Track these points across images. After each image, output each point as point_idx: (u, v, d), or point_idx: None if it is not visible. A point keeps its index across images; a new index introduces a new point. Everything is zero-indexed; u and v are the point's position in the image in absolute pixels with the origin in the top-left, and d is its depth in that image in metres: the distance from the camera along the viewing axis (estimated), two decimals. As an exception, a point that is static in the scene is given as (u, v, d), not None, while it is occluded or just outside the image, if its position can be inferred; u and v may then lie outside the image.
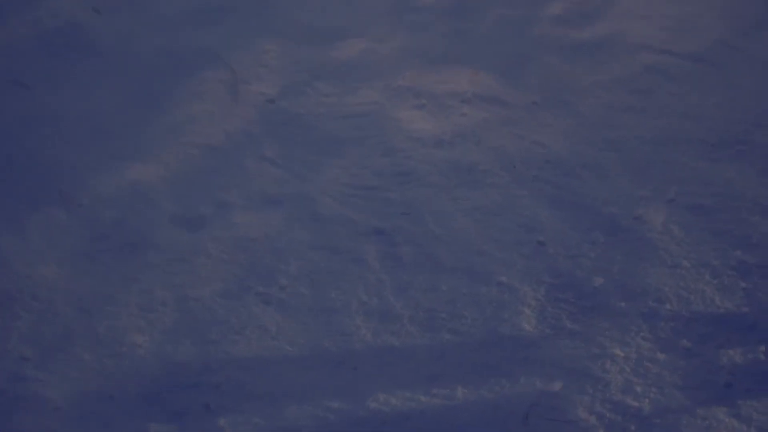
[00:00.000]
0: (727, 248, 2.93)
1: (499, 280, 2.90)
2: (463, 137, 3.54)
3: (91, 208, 3.30)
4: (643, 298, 2.78)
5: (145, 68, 4.11)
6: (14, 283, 2.97)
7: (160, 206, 3.35)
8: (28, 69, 4.04)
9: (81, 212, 3.29)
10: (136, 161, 3.56)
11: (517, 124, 3.57)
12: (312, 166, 3.47)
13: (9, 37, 4.29)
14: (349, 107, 3.76)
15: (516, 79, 3.83)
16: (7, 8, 4.46)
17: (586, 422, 2.43)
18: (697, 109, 3.57)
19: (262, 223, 3.25)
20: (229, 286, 3.00)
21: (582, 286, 2.84)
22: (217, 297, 2.92)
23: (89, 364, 2.70)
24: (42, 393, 2.61)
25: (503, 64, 3.93)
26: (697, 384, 2.50)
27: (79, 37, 4.30)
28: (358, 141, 3.57)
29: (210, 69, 4.05)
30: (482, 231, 3.13)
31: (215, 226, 3.25)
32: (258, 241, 3.17)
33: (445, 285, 2.89)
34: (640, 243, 3.00)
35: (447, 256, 3.04)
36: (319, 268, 3.05)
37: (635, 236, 3.03)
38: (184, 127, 3.74)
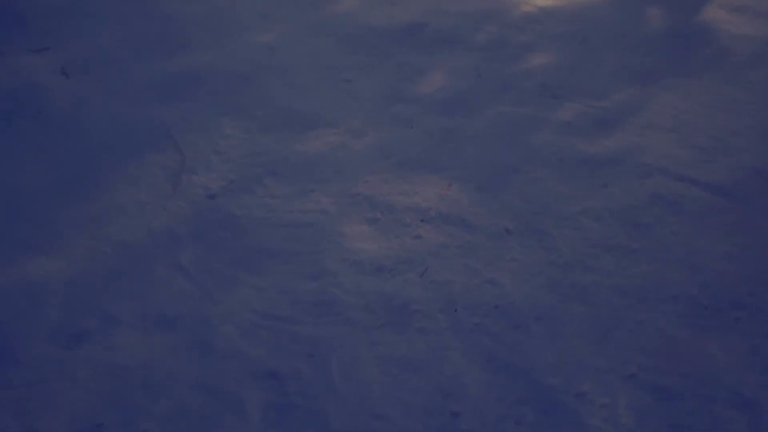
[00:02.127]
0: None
1: (388, 458, 2.59)
2: (408, 265, 3.24)
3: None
4: None
5: (90, 143, 3.99)
6: None
7: (45, 312, 3.17)
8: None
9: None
10: (40, 253, 3.42)
11: (476, 256, 3.25)
12: (226, 284, 3.24)
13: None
14: (293, 214, 3.53)
15: (494, 196, 3.52)
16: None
17: None
18: (700, 256, 3.18)
19: (146, 348, 3.03)
20: (81, 425, 2.78)
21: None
22: (60, 437, 2.71)
23: None
24: None
25: (485, 175, 3.62)
26: None
27: (32, 102, 4.23)
28: (289, 257, 3.32)
29: (158, 151, 3.90)
30: (392, 389, 2.82)
31: (94, 345, 3.05)
32: (133, 371, 2.95)
33: (322, 456, 2.60)
34: (575, 430, 2.62)
35: (339, 417, 2.74)
36: (189, 411, 2.80)
37: (571, 420, 2.67)
38: (107, 218, 3.58)
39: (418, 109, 4.05)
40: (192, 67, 4.48)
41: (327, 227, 3.45)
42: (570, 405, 2.71)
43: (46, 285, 3.28)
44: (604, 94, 4.08)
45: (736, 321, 2.95)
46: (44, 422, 2.78)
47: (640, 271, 3.15)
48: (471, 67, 4.32)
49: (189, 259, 3.35)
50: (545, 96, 4.08)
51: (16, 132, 4.04)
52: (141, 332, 3.08)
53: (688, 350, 2.85)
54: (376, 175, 3.69)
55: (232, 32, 4.76)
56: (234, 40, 4.69)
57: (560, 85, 4.16)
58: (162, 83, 4.37)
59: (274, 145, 3.91)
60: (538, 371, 2.82)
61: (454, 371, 2.85)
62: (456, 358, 2.89)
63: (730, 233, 3.28)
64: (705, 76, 4.18)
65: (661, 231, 3.31)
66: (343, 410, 2.76)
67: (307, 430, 2.72)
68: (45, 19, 5.04)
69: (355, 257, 3.29)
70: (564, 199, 3.49)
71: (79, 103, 4.23)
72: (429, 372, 2.86)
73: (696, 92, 4.05)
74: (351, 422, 2.72)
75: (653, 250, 3.23)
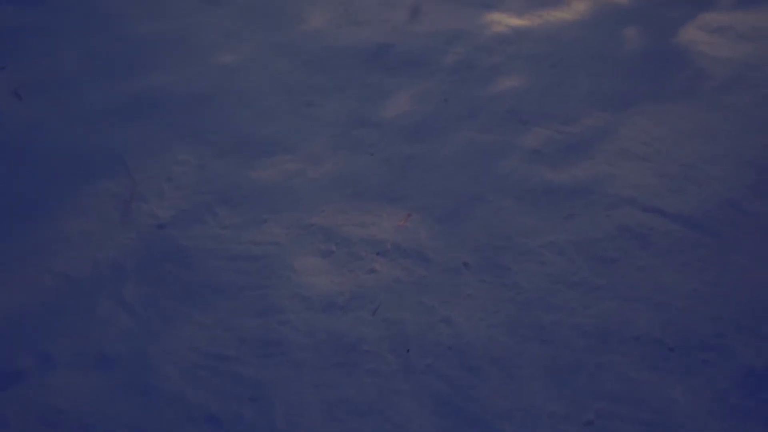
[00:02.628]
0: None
1: None
2: (361, 302, 3.15)
3: None
4: None
5: (39, 168, 3.90)
6: None
7: (-23, 350, 3.07)
8: None
9: None
10: (-21, 285, 3.31)
11: (432, 292, 3.16)
12: (170, 320, 3.14)
13: None
14: (244, 245, 3.43)
15: (454, 228, 3.43)
16: None
17: None
18: (666, 294, 3.08)
19: (83, 390, 2.93)
20: (8, 472, 2.68)
21: None
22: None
23: None
24: None
25: (446, 206, 3.53)
26: None
27: (-19, 125, 4.14)
28: (237, 292, 3.22)
29: (109, 177, 3.81)
30: (336, 436, 2.72)
31: (29, 385, 2.95)
32: (67, 414, 2.85)
33: None
34: (525, 482, 2.53)
35: (279, 467, 2.64)
36: (122, 460, 2.69)
37: (522, 471, 2.56)
38: (50, 249, 3.48)
39: (381, 134, 3.96)
40: (151, 88, 4.39)
41: (278, 260, 3.35)
42: (522, 454, 2.61)
43: (-20, 320, 3.18)
44: (574, 119, 4.00)
45: (702, 364, 2.86)
46: (-32, 470, 2.67)
47: (603, 309, 3.06)
48: (438, 90, 4.23)
49: (133, 294, 3.26)
50: (513, 121, 4.00)
51: (-38, 157, 3.96)
52: (78, 372, 2.99)
53: (650, 395, 2.75)
54: (332, 204, 3.60)
55: (195, 52, 4.68)
56: (197, 61, 4.61)
57: (529, 109, 4.07)
58: (119, 106, 4.28)
59: (228, 172, 3.82)
60: (491, 417, 2.72)
61: (403, 416, 2.75)
62: (406, 402, 2.80)
63: (699, 269, 3.19)
64: (680, 100, 4.10)
65: (627, 266, 3.22)
66: (283, 458, 2.66)
67: (244, 480, 2.62)
68: (1, 38, 4.96)
69: (306, 293, 3.20)
70: (527, 231, 3.40)
71: (30, 126, 4.14)
72: (377, 417, 2.76)
73: (670, 117, 3.97)
74: (291, 472, 2.62)
75: (618, 286, 3.14)
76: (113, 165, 3.90)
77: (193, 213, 3.63)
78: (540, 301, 3.11)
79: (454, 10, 4.90)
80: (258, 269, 3.32)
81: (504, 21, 4.80)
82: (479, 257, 3.30)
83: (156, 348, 3.04)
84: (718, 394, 2.75)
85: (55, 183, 3.82)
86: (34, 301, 3.26)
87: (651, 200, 3.52)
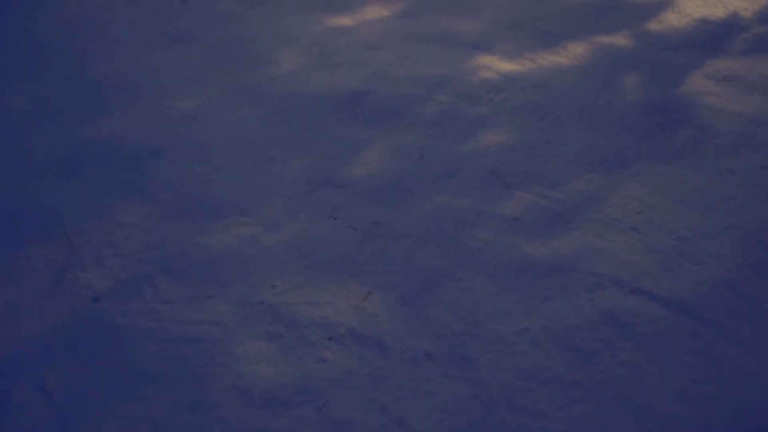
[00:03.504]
0: None
1: None
2: (306, 397, 2.91)
3: None
4: None
5: (-30, 230, 3.68)
6: None
7: None
8: None
9: None
10: None
11: (387, 387, 2.91)
12: (91, 413, 2.92)
13: None
14: (183, 325, 3.20)
15: (418, 310, 3.18)
16: None
17: None
18: (650, 395, 2.83)
19: (-15, 495, 2.69)
20: None
21: None
22: None
23: None
24: None
25: (411, 283, 3.29)
26: None
27: None
28: (171, 381, 2.99)
29: (45, 240, 3.59)
30: None
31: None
32: None
33: None
34: None
35: None
36: None
37: None
38: (-29, 324, 3.25)
39: (347, 196, 3.73)
40: (101, 138, 4.17)
41: (219, 344, 3.11)
42: None
43: None
44: (561, 182, 3.75)
45: (684, 483, 2.59)
46: None
47: (577, 412, 2.80)
48: (414, 145, 4.00)
49: (56, 381, 3.03)
50: (494, 183, 3.75)
51: None
52: (-19, 475, 2.75)
53: None
54: (285, 278, 3.36)
55: (153, 97, 4.46)
56: (154, 107, 4.39)
57: (513, 170, 3.83)
58: (63, 157, 4.07)
59: (175, 237, 3.59)
60: None
61: None
62: None
63: (689, 365, 2.93)
64: (680, 161, 3.85)
65: (607, 360, 2.97)
66: None
67: None
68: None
69: (246, 384, 2.96)
70: (499, 315, 3.15)
71: (-33, 182, 3.93)
72: None
73: (668, 182, 3.72)
74: None
75: (595, 385, 2.89)
76: (51, 226, 3.68)
77: (132, 285, 3.40)
78: (507, 400, 2.85)
79: (441, 52, 4.67)
80: (196, 354, 3.09)
81: (494, 65, 4.56)
82: (443, 345, 3.05)
83: (72, 446, 2.80)
84: None
85: (-13, 246, 3.60)
86: (-56, 387, 3.04)
87: (640, 280, 3.26)
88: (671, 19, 4.83)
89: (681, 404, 2.83)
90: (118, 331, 3.22)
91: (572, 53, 4.64)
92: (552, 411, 2.83)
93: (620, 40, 4.69)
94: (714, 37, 4.80)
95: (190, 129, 4.20)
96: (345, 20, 4.88)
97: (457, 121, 4.16)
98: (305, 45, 4.72)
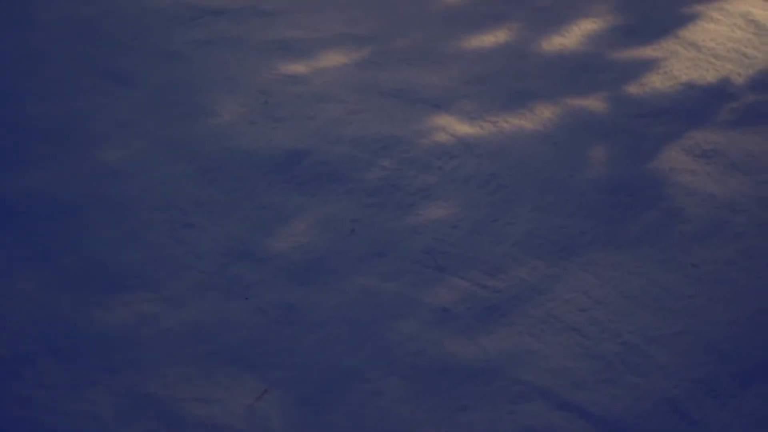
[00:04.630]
0: None
1: None
2: None
3: None
4: None
5: None
6: None
7: None
8: None
9: None
10: None
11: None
12: None
13: None
14: (56, 417, 3.02)
15: (316, 414, 3.00)
16: None
17: None
18: None
19: None
20: None
21: None
22: None
23: None
24: None
25: (315, 382, 3.09)
26: None
27: None
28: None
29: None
30: None
31: None
32: None
33: None
34: None
35: None
36: None
37: None
38: None
39: (263, 273, 3.51)
40: (14, 192, 3.97)
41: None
42: None
43: None
44: (502, 268, 3.51)
45: None
46: None
47: None
48: (347, 217, 3.77)
49: None
50: (427, 266, 3.52)
51: None
52: None
53: None
54: (178, 368, 3.14)
55: (79, 146, 4.25)
56: (77, 157, 4.18)
57: (450, 250, 3.59)
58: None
59: (69, 312, 3.39)
60: None
61: None
62: None
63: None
64: (639, 251, 3.60)
65: (519, 488, 2.70)
66: None
67: None
68: None
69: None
70: (405, 426, 2.91)
71: None
72: None
73: (621, 275, 3.47)
74: None
75: None
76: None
77: (11, 365, 3.21)
78: None
79: (396, 109, 4.44)
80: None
81: (450, 127, 4.32)
82: (337, 461, 2.80)
83: None
84: None
85: None
86: None
87: (572, 393, 3.02)
88: (655, 82, 4.58)
89: None
90: (-16, 420, 2.99)
91: (539, 117, 4.40)
92: None
93: (594, 103, 4.43)
94: (699, 105, 4.54)
95: (111, 185, 3.99)
96: (299, 67, 4.66)
97: (398, 191, 3.92)
98: (251, 94, 4.50)
